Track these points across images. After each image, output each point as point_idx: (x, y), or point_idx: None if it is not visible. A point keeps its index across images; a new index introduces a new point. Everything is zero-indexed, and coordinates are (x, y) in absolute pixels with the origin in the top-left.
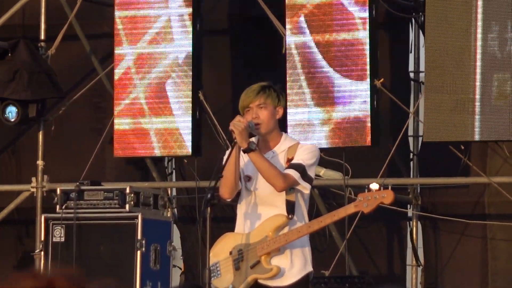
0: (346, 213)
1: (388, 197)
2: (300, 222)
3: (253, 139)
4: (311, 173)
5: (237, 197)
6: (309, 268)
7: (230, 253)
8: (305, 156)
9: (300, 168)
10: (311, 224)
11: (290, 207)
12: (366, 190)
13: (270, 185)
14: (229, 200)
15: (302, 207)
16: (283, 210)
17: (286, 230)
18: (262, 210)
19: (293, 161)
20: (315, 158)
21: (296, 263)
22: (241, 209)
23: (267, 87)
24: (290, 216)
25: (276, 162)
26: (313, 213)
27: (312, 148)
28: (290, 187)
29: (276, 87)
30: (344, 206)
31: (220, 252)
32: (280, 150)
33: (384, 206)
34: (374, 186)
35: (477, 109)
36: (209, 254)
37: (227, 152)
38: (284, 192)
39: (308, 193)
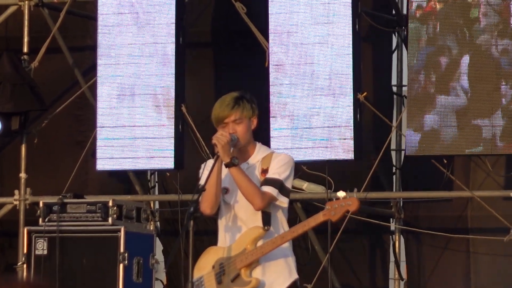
0: (316, 222)
1: (353, 204)
2: (277, 234)
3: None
4: (289, 185)
5: (217, 211)
6: (295, 276)
7: (213, 267)
8: (280, 169)
9: (277, 184)
10: (284, 234)
11: (266, 218)
12: (334, 199)
13: None
14: (210, 215)
15: (280, 219)
16: (260, 222)
17: (261, 242)
18: (241, 223)
19: (269, 176)
20: (290, 169)
21: (281, 273)
22: (221, 223)
23: (240, 98)
24: (266, 227)
25: (251, 173)
26: None
27: (286, 159)
28: (268, 204)
29: (248, 96)
30: (314, 216)
31: (204, 266)
32: (255, 160)
33: (367, 220)
34: (341, 194)
35: (460, 123)
36: (193, 269)
37: (203, 165)
38: None
39: (286, 207)
